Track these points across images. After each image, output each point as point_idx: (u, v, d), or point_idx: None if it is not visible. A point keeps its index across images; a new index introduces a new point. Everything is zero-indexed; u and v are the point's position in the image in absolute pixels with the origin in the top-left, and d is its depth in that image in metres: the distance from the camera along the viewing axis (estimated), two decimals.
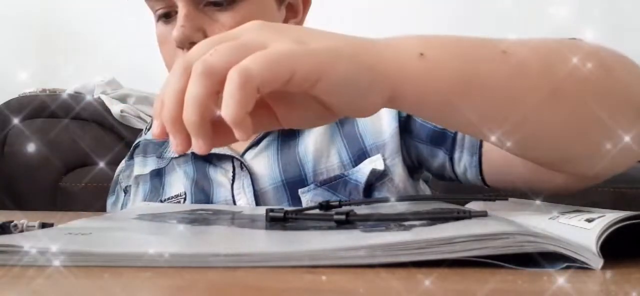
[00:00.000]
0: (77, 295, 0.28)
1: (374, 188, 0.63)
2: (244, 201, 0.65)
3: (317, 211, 0.48)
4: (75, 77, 1.98)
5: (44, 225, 0.41)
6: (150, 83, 2.03)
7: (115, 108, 1.63)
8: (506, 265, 0.31)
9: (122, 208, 0.73)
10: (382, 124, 0.64)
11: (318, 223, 0.42)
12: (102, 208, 0.81)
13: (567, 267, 0.31)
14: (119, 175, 0.77)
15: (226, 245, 0.36)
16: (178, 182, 0.70)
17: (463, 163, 0.61)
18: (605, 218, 0.32)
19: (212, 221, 0.46)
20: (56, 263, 0.31)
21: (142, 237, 0.39)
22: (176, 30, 0.59)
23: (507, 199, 0.49)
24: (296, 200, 0.63)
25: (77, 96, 1.66)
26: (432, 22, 2.29)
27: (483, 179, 0.60)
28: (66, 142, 1.51)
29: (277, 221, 0.43)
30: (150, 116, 1.73)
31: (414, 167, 0.66)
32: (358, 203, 0.53)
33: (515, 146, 0.40)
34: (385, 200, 0.56)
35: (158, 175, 0.71)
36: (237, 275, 0.30)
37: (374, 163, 0.63)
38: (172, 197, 0.69)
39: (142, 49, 2.42)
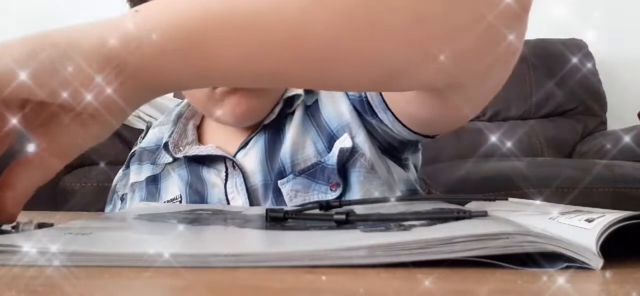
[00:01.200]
0: (77, 295, 0.28)
1: (349, 168, 0.64)
2: (238, 199, 0.66)
3: (317, 211, 0.48)
4: None
5: (41, 225, 0.41)
6: None
7: None
8: (506, 265, 0.31)
9: None
10: (341, 105, 0.67)
11: (318, 223, 0.42)
12: (102, 208, 0.81)
13: (567, 267, 0.31)
14: (116, 184, 0.78)
15: (226, 245, 0.36)
16: (173, 185, 0.70)
17: (388, 122, 0.62)
18: (605, 218, 0.32)
19: (211, 221, 0.46)
20: (56, 263, 0.31)
21: (142, 237, 0.39)
22: None
23: (507, 199, 0.49)
24: (278, 193, 0.65)
25: None
26: None
27: (411, 130, 0.60)
28: None
29: (277, 221, 0.43)
30: (150, 116, 1.73)
31: (385, 145, 0.68)
32: (358, 203, 0.53)
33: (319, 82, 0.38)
34: (385, 200, 0.57)
35: (154, 181, 0.72)
36: (237, 275, 0.30)
37: (342, 142, 0.64)
38: (168, 201, 0.70)
39: None
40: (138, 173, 0.74)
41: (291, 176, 0.65)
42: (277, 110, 0.68)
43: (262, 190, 0.66)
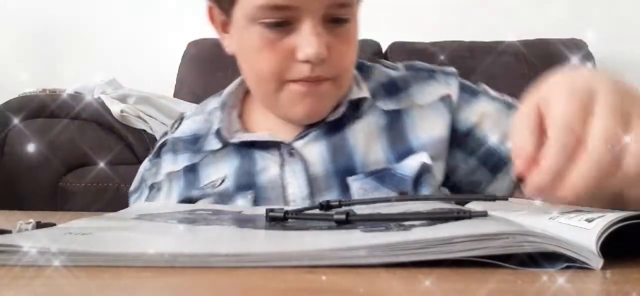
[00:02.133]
0: (77, 295, 0.28)
1: (420, 182, 0.67)
2: (295, 186, 0.67)
3: (317, 211, 0.48)
4: (75, 77, 1.99)
5: (39, 225, 0.41)
6: (150, 84, 2.04)
7: (115, 108, 1.63)
8: (506, 265, 0.31)
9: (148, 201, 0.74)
10: (434, 127, 0.70)
11: (318, 223, 0.42)
12: (102, 208, 0.81)
13: (567, 267, 0.31)
14: (143, 173, 0.77)
15: (226, 245, 0.36)
16: (217, 171, 0.71)
17: (499, 184, 0.69)
18: (605, 218, 0.32)
19: (212, 221, 0.46)
20: (56, 263, 0.31)
21: (142, 237, 0.39)
22: (312, 47, 0.61)
23: (507, 199, 0.49)
24: (345, 187, 0.67)
25: (77, 96, 1.66)
26: (433, 23, 2.29)
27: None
28: (66, 142, 1.51)
29: (277, 221, 0.43)
30: (150, 116, 1.73)
31: (450, 181, 0.72)
32: (357, 203, 0.53)
33: None
34: (386, 200, 0.57)
35: (192, 170, 0.73)
36: (237, 275, 0.30)
37: (422, 157, 0.67)
38: (209, 183, 0.70)
39: (142, 49, 2.43)
40: (173, 163, 0.74)
41: (361, 175, 0.67)
42: (341, 110, 0.70)
43: (324, 181, 0.68)
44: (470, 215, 0.38)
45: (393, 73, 0.76)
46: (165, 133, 0.79)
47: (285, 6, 0.62)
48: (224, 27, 0.71)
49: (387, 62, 0.80)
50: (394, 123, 0.71)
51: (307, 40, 0.62)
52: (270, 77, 0.66)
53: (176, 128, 0.78)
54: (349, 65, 0.69)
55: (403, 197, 0.62)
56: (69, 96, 1.63)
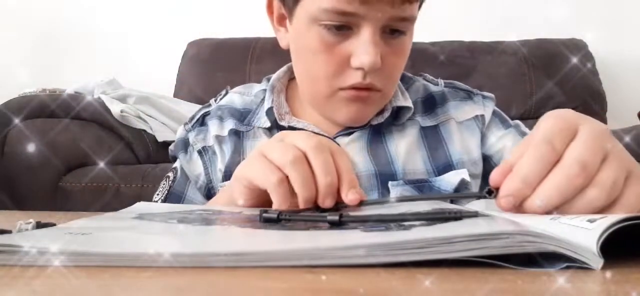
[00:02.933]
0: (77, 295, 0.28)
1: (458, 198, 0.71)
2: None
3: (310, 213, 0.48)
4: (75, 77, 1.99)
5: (39, 225, 0.41)
6: (150, 84, 2.04)
7: (115, 108, 1.63)
8: (506, 265, 0.31)
9: (206, 166, 0.76)
10: (471, 146, 0.74)
11: (312, 224, 0.42)
12: (102, 208, 0.81)
13: (567, 267, 0.31)
14: (188, 138, 0.78)
15: (226, 244, 0.36)
16: None
17: None
18: (607, 219, 0.32)
19: (211, 221, 0.46)
20: (56, 263, 0.31)
21: (142, 237, 0.39)
22: (369, 55, 0.63)
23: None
24: (386, 190, 0.70)
25: (77, 96, 1.66)
26: (433, 23, 2.29)
27: None
28: (66, 142, 1.51)
29: (270, 222, 0.43)
30: (150, 116, 1.73)
31: None
32: (415, 199, 0.53)
33: None
34: (383, 201, 0.57)
35: (236, 134, 0.75)
36: (237, 274, 0.30)
37: (463, 174, 0.71)
38: None
39: (142, 49, 2.43)
40: (220, 127, 0.76)
41: (402, 182, 0.70)
42: (386, 115, 0.73)
43: (365, 180, 0.71)
44: (461, 216, 0.38)
45: (433, 88, 0.79)
46: (209, 104, 0.80)
47: (349, 12, 0.63)
48: (281, 20, 0.73)
49: (428, 76, 0.83)
50: (432, 138, 0.74)
51: (364, 48, 0.63)
52: (323, 81, 0.68)
53: (221, 99, 0.81)
54: (397, 76, 0.71)
55: (402, 197, 0.62)
56: (69, 96, 1.63)
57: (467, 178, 0.71)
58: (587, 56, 2.07)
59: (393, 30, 0.66)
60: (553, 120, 0.41)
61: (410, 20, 0.66)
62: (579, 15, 2.21)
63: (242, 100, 0.79)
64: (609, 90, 2.07)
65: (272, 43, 2.08)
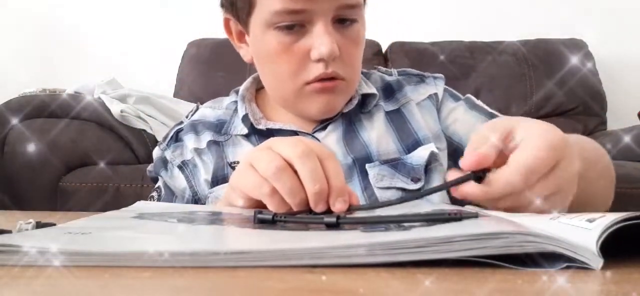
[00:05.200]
0: (77, 295, 0.28)
1: (430, 169, 0.74)
2: None
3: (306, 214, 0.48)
4: (75, 77, 1.99)
5: (39, 225, 0.41)
6: (150, 84, 2.04)
7: (115, 108, 1.63)
8: (506, 265, 0.31)
9: (189, 180, 0.77)
10: (431, 123, 0.78)
11: (306, 226, 0.42)
12: (102, 208, 0.81)
13: (567, 267, 0.31)
14: (166, 156, 0.79)
15: (226, 244, 0.36)
16: (243, 153, 0.75)
17: None
18: (606, 219, 0.32)
19: (211, 221, 0.46)
20: (56, 263, 0.31)
21: (142, 237, 0.39)
22: (325, 45, 0.67)
23: None
24: (364, 173, 0.73)
25: (77, 96, 1.66)
26: (433, 23, 2.29)
27: None
28: (66, 142, 1.51)
29: (265, 223, 0.43)
30: (150, 116, 1.73)
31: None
32: (356, 209, 0.53)
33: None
34: (381, 205, 0.57)
35: (216, 145, 0.77)
36: (237, 274, 0.30)
37: (431, 148, 0.74)
38: (236, 162, 0.74)
39: (142, 49, 2.43)
40: (197, 141, 0.78)
41: (377, 163, 0.74)
42: (355, 102, 0.77)
43: (345, 171, 0.73)
44: (461, 217, 0.38)
45: (388, 78, 0.83)
46: (180, 122, 0.82)
47: (299, 10, 0.66)
48: (240, 37, 0.77)
49: (381, 68, 0.87)
50: (397, 121, 0.78)
51: (320, 40, 0.67)
52: (288, 80, 0.71)
53: (192, 115, 0.82)
54: (358, 63, 0.74)
55: (400, 199, 0.62)
56: (69, 96, 1.63)
57: (436, 150, 0.74)
58: (587, 56, 2.07)
59: (343, 20, 0.69)
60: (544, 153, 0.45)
61: (358, 6, 0.70)
62: (579, 15, 2.21)
63: (214, 113, 0.81)
64: (609, 90, 2.07)
65: None
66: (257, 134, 0.76)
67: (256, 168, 0.50)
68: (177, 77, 2.12)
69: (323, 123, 0.77)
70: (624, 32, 2.21)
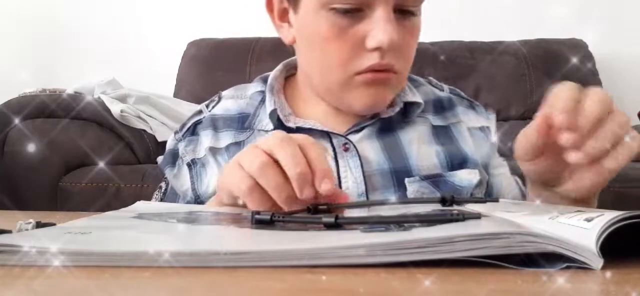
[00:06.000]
0: (77, 295, 0.28)
1: (473, 195, 0.71)
2: (351, 181, 0.67)
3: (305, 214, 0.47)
4: (75, 77, 1.99)
5: (39, 225, 0.41)
6: (150, 84, 2.04)
7: (115, 108, 1.63)
8: (506, 265, 0.31)
9: (193, 181, 0.73)
10: (482, 152, 0.75)
11: (306, 226, 0.42)
12: (102, 208, 0.81)
13: (567, 267, 0.31)
14: (178, 149, 0.75)
15: (226, 244, 0.36)
16: None
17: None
18: (604, 218, 0.32)
19: (211, 221, 0.46)
20: (56, 263, 0.31)
21: (142, 236, 0.39)
22: (386, 33, 0.61)
23: (497, 201, 0.48)
24: (402, 187, 0.68)
25: (77, 96, 1.66)
26: (433, 23, 2.29)
27: None
28: (66, 142, 1.51)
29: (264, 223, 0.43)
30: (150, 116, 1.73)
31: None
32: (346, 207, 0.53)
33: None
34: (379, 203, 0.57)
35: (237, 145, 0.72)
36: (237, 274, 0.30)
37: (478, 174, 0.72)
38: None
39: (142, 49, 2.42)
40: (215, 139, 0.73)
41: (417, 178, 0.69)
42: (396, 109, 0.71)
43: (380, 179, 0.69)
44: (464, 218, 0.38)
45: (439, 93, 0.78)
46: (200, 112, 0.76)
47: None
48: (283, 15, 0.71)
49: (433, 80, 0.82)
50: (444, 137, 0.73)
51: (380, 27, 0.61)
52: (337, 68, 0.65)
53: (213, 107, 0.76)
54: (411, 58, 0.69)
55: (401, 200, 0.62)
56: (69, 96, 1.63)
57: (484, 176, 0.71)
58: (587, 56, 2.07)
59: (405, 11, 0.64)
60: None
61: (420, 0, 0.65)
62: (579, 15, 2.21)
63: (237, 105, 0.75)
64: (609, 90, 2.06)
65: (272, 43, 2.09)
66: (285, 130, 0.72)
67: (241, 165, 0.49)
68: (177, 77, 2.12)
69: (357, 125, 0.71)
70: (624, 32, 2.21)
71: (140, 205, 0.57)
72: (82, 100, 1.61)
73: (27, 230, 0.40)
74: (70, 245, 0.33)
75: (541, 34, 2.11)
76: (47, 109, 1.55)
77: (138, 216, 0.48)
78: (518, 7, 2.24)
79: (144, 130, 1.68)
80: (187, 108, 1.83)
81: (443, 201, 0.47)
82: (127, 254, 0.32)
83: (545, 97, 0.50)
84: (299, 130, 0.69)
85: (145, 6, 2.35)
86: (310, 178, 0.47)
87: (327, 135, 0.70)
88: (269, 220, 0.42)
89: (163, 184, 0.78)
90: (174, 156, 0.75)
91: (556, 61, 2.03)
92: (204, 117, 0.75)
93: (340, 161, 0.68)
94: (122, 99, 1.72)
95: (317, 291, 0.27)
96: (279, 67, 0.77)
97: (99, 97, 1.70)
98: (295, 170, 0.46)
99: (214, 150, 0.72)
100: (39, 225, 0.41)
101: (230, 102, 0.76)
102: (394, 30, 0.61)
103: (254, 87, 0.77)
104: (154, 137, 1.69)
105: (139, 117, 1.69)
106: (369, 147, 0.70)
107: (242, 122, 0.73)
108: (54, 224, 0.42)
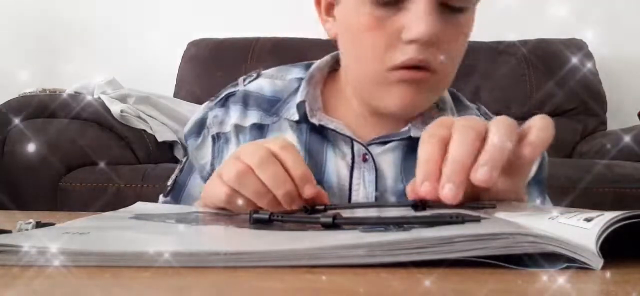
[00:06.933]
0: (77, 295, 0.28)
1: None
2: (362, 194, 0.65)
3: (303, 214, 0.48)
4: (75, 77, 1.99)
5: (39, 225, 0.41)
6: (150, 84, 2.04)
7: (115, 108, 1.63)
8: (506, 265, 0.31)
9: (214, 155, 0.71)
10: None
11: (304, 226, 0.42)
12: (102, 208, 0.81)
13: (567, 267, 0.31)
14: (206, 118, 0.73)
15: (226, 244, 0.36)
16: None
17: None
18: (604, 217, 0.32)
19: (210, 221, 0.46)
20: (56, 263, 0.31)
21: (142, 237, 0.39)
22: (424, 24, 0.57)
23: (494, 206, 0.48)
24: None
25: (77, 96, 1.66)
26: None
27: None
28: (66, 142, 1.51)
29: (262, 223, 0.43)
30: (150, 116, 1.73)
31: None
32: (344, 208, 0.53)
33: None
34: (376, 205, 0.57)
35: (260, 129, 0.70)
36: (237, 274, 0.30)
37: None
38: None
39: (142, 49, 2.42)
40: (242, 116, 0.71)
41: None
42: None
43: (393, 199, 0.66)
44: (463, 220, 0.38)
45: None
46: (236, 84, 0.75)
47: None
48: (329, 10, 0.69)
49: (483, 108, 0.77)
50: None
51: (418, 18, 0.57)
52: (371, 61, 0.62)
53: (249, 83, 0.74)
54: (457, 59, 0.64)
55: (400, 202, 0.61)
56: (69, 96, 1.63)
57: None
58: (587, 56, 2.07)
59: (451, 8, 0.59)
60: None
61: None
62: (579, 15, 2.21)
63: (273, 87, 0.73)
64: (609, 90, 2.07)
65: (272, 43, 2.09)
66: (308, 126, 0.68)
67: (221, 177, 0.50)
68: (177, 77, 2.12)
69: (384, 137, 0.67)
70: (624, 32, 2.21)
71: (139, 206, 0.57)
72: (82, 100, 1.61)
73: (27, 230, 0.40)
74: (70, 245, 0.33)
75: (541, 34, 2.11)
76: (47, 109, 1.55)
77: (136, 217, 0.48)
78: (518, 7, 2.24)
79: (144, 130, 1.68)
80: (187, 109, 1.83)
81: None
82: (127, 254, 0.32)
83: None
84: (322, 128, 0.67)
85: (145, 6, 2.35)
86: (295, 193, 0.48)
87: (349, 140, 0.67)
88: (268, 219, 0.42)
89: (184, 159, 0.76)
90: (201, 125, 0.73)
91: (556, 61, 2.03)
92: (237, 90, 0.73)
93: (355, 171, 0.67)
94: (122, 99, 1.72)
95: (317, 291, 0.27)
96: (327, 57, 0.74)
97: (99, 97, 1.70)
98: (279, 193, 0.47)
99: (238, 128, 0.71)
100: (38, 225, 0.41)
101: (266, 81, 0.74)
102: (434, 23, 0.57)
103: (296, 72, 0.74)
104: (154, 137, 1.69)
105: (139, 117, 1.69)
106: (390, 163, 0.67)
107: (272, 105, 0.71)
108: (53, 224, 0.42)
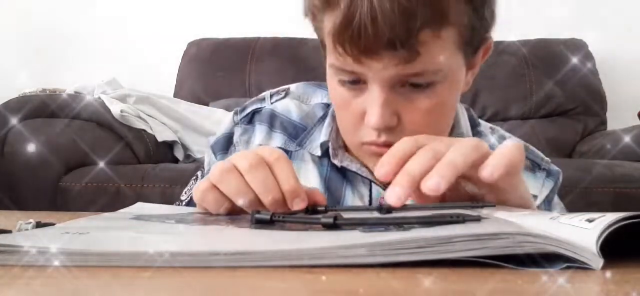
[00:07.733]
0: (77, 295, 0.28)
1: None
2: None
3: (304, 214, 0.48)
4: (75, 77, 1.99)
5: (39, 225, 0.41)
6: (150, 84, 2.04)
7: (115, 108, 1.63)
8: (506, 265, 0.31)
9: None
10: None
11: (305, 227, 0.42)
12: (102, 208, 0.81)
13: (567, 267, 0.31)
14: (235, 136, 0.73)
15: (226, 244, 0.36)
16: (309, 174, 0.69)
17: None
18: (606, 218, 0.32)
19: (210, 221, 0.46)
20: (56, 263, 0.31)
21: (141, 237, 0.39)
22: (374, 117, 0.57)
23: (494, 206, 0.48)
24: None
25: (77, 96, 1.66)
26: None
27: None
28: (66, 142, 1.51)
29: (263, 223, 0.43)
30: (150, 116, 1.73)
31: None
32: (345, 210, 0.53)
33: None
34: (375, 208, 0.57)
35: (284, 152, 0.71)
36: (237, 275, 0.30)
37: None
38: None
39: (142, 49, 2.43)
40: (267, 137, 0.71)
41: None
42: None
43: None
44: (463, 220, 0.38)
45: None
46: (263, 99, 0.74)
47: (350, 71, 0.58)
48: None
49: (500, 130, 0.76)
50: None
51: (371, 108, 0.58)
52: (347, 135, 0.65)
53: (277, 101, 0.74)
54: (434, 124, 0.61)
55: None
56: (69, 96, 1.63)
57: None
58: (587, 56, 2.07)
59: (416, 85, 0.58)
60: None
61: (432, 72, 0.57)
62: (579, 15, 2.21)
63: (299, 111, 0.72)
64: (609, 90, 2.07)
65: (272, 43, 2.09)
66: (330, 162, 0.69)
67: (210, 178, 0.49)
68: (177, 77, 2.12)
69: None
70: (624, 32, 2.21)
71: (139, 206, 0.57)
72: (82, 100, 1.61)
73: (27, 230, 0.40)
74: (70, 245, 0.33)
75: (541, 34, 2.11)
76: (47, 109, 1.55)
77: (136, 217, 0.48)
78: (518, 7, 2.24)
79: (144, 130, 1.68)
80: (187, 109, 1.83)
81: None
82: (127, 254, 0.32)
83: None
84: (343, 169, 0.68)
85: (145, 6, 2.35)
86: (282, 202, 0.47)
87: (368, 182, 0.67)
88: (269, 220, 0.42)
89: (199, 173, 0.76)
90: (229, 141, 0.73)
91: (556, 61, 2.03)
92: (264, 108, 0.73)
93: None
94: (122, 99, 1.72)
95: (317, 292, 0.27)
96: None
97: (99, 97, 1.70)
98: (267, 199, 0.47)
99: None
100: (38, 225, 0.41)
101: (294, 104, 0.73)
102: (384, 114, 0.57)
103: (320, 95, 0.74)
104: (154, 137, 1.69)
105: (139, 117, 1.69)
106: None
107: (297, 133, 0.71)
108: (53, 224, 0.42)
